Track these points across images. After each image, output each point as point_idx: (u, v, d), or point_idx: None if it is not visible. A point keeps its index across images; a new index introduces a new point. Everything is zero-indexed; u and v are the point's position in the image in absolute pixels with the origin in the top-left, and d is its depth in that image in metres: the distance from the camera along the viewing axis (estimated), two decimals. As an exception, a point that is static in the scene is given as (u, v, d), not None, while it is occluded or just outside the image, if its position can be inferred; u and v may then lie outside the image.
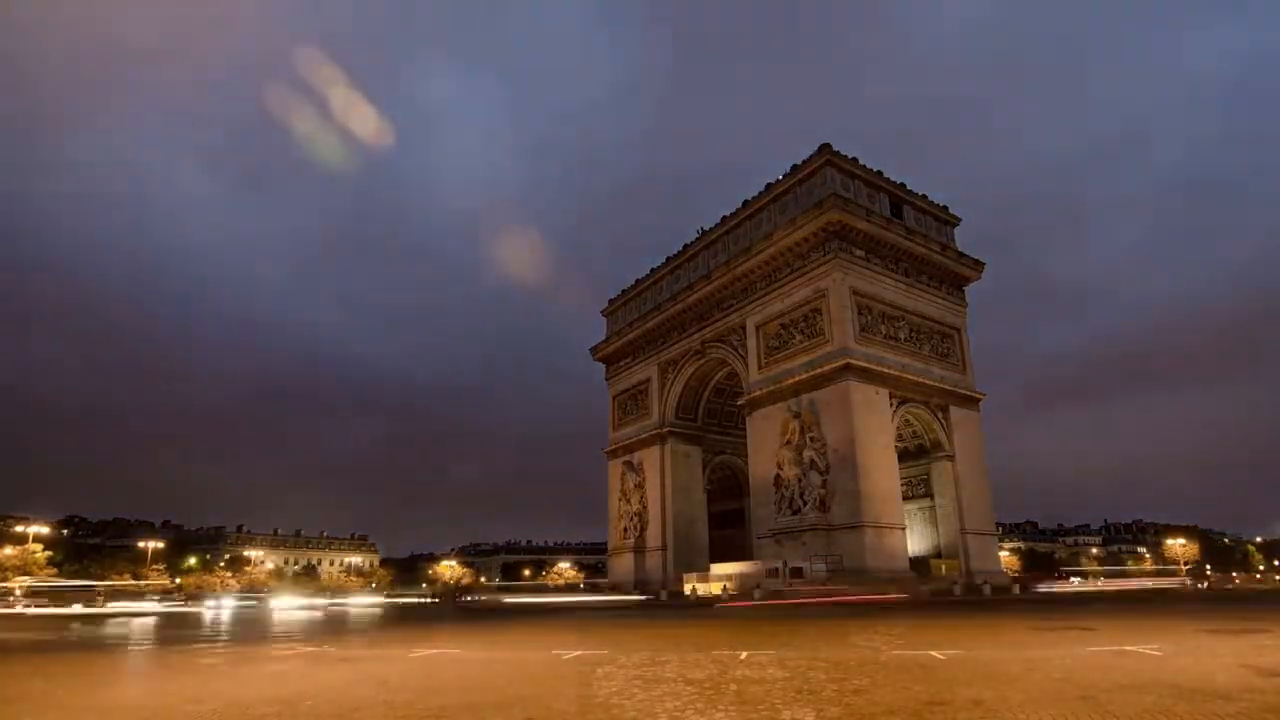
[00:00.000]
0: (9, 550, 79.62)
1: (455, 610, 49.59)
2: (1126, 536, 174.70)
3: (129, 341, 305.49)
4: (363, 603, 70.74)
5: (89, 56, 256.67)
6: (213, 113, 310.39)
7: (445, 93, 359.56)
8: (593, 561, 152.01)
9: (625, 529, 79.34)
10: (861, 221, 58.85)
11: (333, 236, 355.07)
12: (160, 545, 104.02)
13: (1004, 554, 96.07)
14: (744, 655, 13.06)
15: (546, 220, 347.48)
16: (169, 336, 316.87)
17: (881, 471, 54.49)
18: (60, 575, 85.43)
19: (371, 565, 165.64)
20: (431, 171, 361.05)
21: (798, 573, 52.10)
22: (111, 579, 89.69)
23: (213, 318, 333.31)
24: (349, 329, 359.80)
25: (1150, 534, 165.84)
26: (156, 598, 68.22)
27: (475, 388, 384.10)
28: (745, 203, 68.69)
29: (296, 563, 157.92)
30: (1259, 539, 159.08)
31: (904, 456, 57.86)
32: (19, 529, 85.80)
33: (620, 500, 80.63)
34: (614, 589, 75.53)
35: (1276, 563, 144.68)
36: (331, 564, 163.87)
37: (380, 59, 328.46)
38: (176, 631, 28.27)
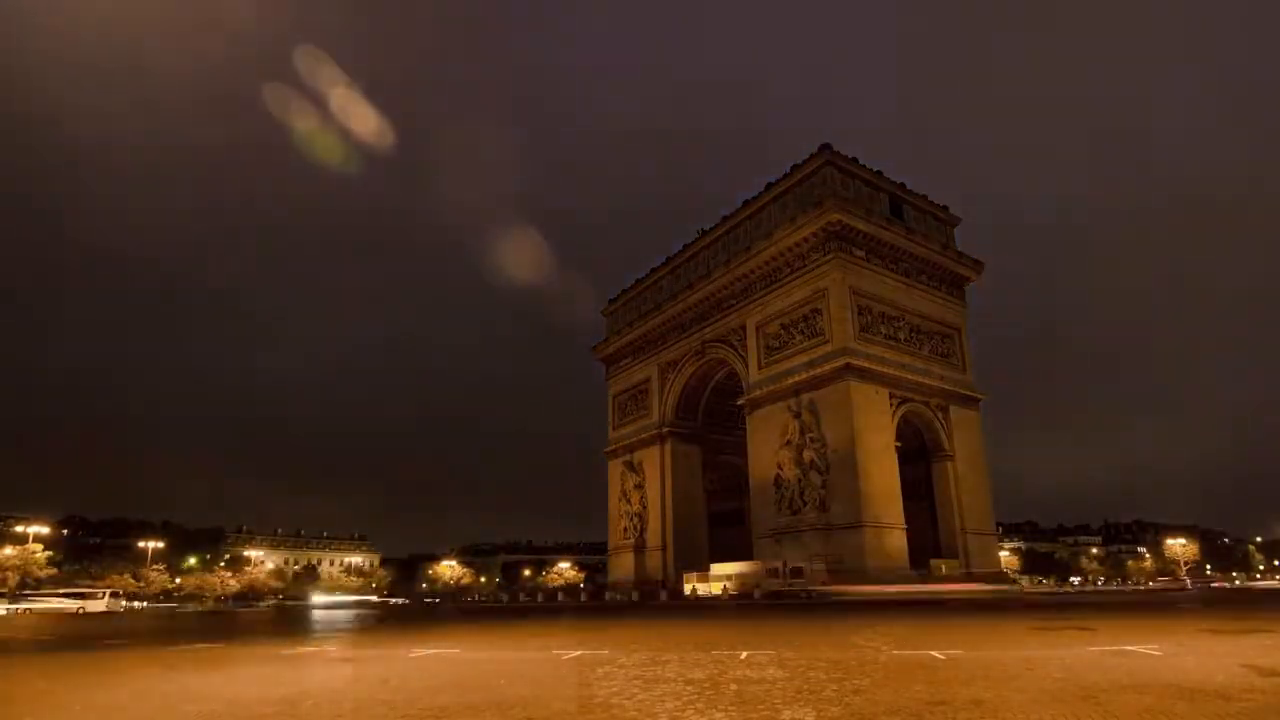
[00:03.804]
0: (9, 550, 79.53)
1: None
2: (1127, 537, 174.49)
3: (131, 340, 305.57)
4: None
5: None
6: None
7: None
8: (594, 561, 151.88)
9: (625, 529, 79.35)
10: (861, 221, 58.86)
11: (332, 235, 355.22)
12: (160, 545, 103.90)
13: (1004, 554, 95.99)
14: (744, 655, 13.05)
15: (548, 217, 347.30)
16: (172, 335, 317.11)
17: (881, 471, 54.49)
18: (60, 575, 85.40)
19: (372, 565, 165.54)
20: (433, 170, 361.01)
21: (798, 572, 52.14)
22: (111, 579, 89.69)
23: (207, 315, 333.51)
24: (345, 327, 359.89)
25: (1150, 534, 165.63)
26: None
27: (476, 387, 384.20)
28: (745, 203, 68.69)
29: (297, 563, 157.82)
30: (1259, 539, 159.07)
31: (904, 457, 57.87)
32: (19, 529, 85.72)
33: (620, 500, 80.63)
34: (614, 588, 75.50)
35: (1277, 563, 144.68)
36: (332, 564, 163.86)
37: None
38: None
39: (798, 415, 57.41)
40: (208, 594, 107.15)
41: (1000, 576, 63.95)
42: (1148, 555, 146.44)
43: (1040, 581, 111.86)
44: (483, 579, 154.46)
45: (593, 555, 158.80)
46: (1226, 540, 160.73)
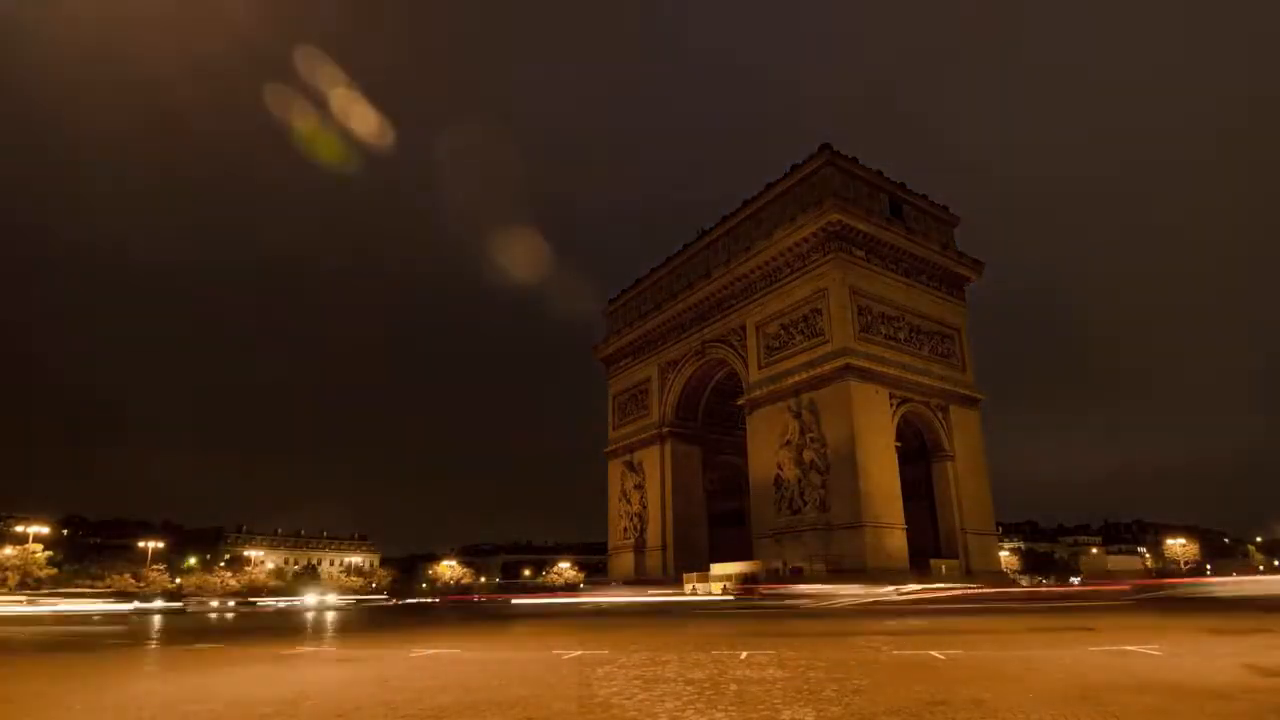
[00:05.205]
0: (9, 550, 79.55)
1: None
2: (1126, 536, 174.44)
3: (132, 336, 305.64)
4: None
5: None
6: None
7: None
8: (594, 561, 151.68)
9: (625, 529, 79.34)
10: (862, 221, 58.84)
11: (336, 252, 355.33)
12: (160, 545, 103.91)
13: (1004, 554, 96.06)
14: (744, 655, 13.05)
15: (548, 216, 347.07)
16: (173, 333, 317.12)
17: (881, 471, 54.47)
18: (60, 575, 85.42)
19: (372, 565, 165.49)
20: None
21: (798, 572, 52.17)
22: (111, 579, 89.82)
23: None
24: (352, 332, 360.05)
25: (1150, 534, 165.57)
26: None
27: (477, 387, 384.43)
28: (745, 202, 68.65)
29: (297, 563, 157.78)
30: (1259, 539, 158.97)
31: (904, 457, 57.89)
32: (19, 529, 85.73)
33: (620, 500, 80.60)
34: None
35: (1277, 562, 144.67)
36: (332, 564, 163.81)
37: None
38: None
39: (798, 415, 57.40)
40: (206, 594, 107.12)
41: (1000, 576, 63.93)
42: (1148, 555, 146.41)
43: (1041, 581, 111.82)
44: (483, 579, 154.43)
45: (593, 555, 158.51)
46: (1226, 540, 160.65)
